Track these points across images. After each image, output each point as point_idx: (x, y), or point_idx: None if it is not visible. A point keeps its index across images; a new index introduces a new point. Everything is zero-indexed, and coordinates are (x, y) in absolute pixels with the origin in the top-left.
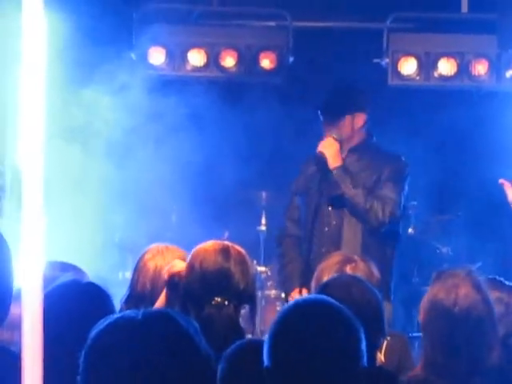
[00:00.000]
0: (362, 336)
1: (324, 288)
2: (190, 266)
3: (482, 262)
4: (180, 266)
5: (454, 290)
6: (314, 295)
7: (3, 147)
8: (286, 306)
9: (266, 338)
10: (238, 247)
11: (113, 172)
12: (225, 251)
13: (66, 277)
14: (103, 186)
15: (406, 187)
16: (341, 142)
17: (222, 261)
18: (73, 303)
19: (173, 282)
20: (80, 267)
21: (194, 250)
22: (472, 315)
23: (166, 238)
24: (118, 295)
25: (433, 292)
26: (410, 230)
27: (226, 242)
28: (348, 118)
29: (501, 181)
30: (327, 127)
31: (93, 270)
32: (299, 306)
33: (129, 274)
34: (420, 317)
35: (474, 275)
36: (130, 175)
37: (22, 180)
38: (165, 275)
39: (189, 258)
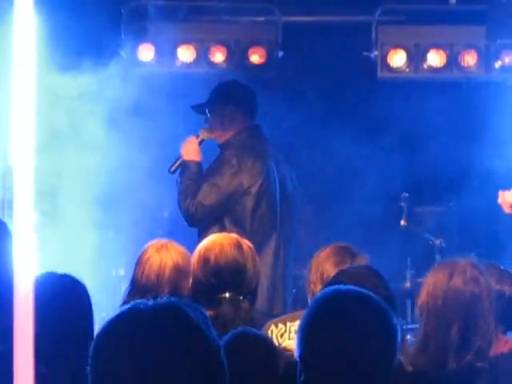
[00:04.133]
0: (398, 332)
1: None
2: (205, 260)
3: (475, 253)
4: None
5: (450, 266)
6: (348, 286)
7: None
8: (320, 294)
9: (298, 325)
10: (247, 241)
11: (103, 168)
12: (239, 246)
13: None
14: (94, 182)
15: (222, 182)
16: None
17: (237, 256)
18: (48, 294)
19: None
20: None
21: (206, 243)
22: (467, 290)
23: (158, 235)
24: (115, 291)
25: (438, 278)
26: (402, 222)
27: (236, 236)
28: (216, 113)
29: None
30: (205, 123)
31: (87, 269)
32: (336, 294)
33: (122, 271)
34: (424, 303)
35: (474, 260)
36: (121, 171)
37: (13, 179)
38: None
39: (200, 250)
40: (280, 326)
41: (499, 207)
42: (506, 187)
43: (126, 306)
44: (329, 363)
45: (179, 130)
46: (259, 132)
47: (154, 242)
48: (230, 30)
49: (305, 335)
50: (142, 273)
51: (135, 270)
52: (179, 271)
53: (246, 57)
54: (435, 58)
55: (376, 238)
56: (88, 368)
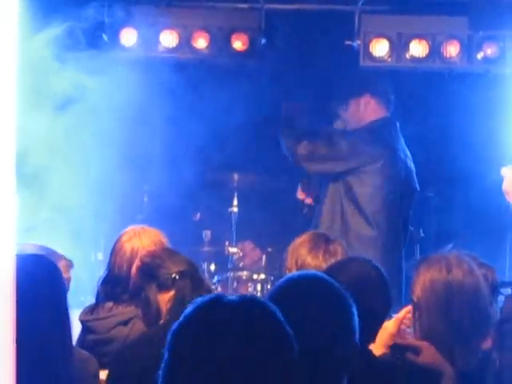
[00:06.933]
0: (355, 312)
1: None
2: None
3: (453, 243)
4: None
5: (444, 260)
6: (305, 271)
7: None
8: (279, 281)
9: None
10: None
11: (84, 153)
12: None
13: None
14: (75, 167)
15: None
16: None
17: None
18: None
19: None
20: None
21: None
22: (467, 282)
23: (138, 220)
24: (93, 276)
25: (434, 273)
26: None
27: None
28: (352, 103)
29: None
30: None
31: (66, 252)
32: (291, 280)
33: (101, 256)
34: (422, 300)
35: (460, 253)
36: (102, 156)
37: None
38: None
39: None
40: None
41: (477, 198)
42: (485, 178)
43: (207, 298)
44: None
45: (161, 118)
46: (393, 123)
47: (128, 229)
48: (213, 16)
49: None
50: (115, 262)
51: (110, 258)
52: None
53: (228, 43)
54: (418, 48)
55: None
56: (166, 355)
